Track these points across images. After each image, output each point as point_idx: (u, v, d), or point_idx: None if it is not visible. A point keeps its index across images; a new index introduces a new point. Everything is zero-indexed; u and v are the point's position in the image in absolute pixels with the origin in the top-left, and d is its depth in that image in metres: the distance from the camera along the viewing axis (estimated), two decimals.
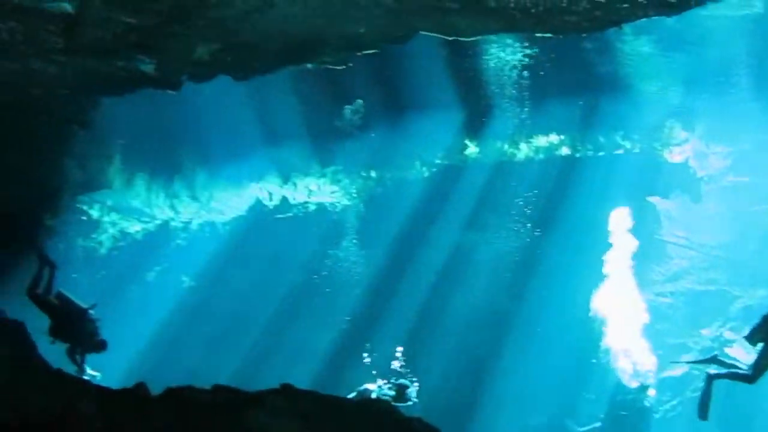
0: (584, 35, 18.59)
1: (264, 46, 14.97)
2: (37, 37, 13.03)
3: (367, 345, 27.60)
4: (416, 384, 21.05)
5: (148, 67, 15.11)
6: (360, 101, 28.79)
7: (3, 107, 16.02)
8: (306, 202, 32.56)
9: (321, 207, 32.58)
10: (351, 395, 20.21)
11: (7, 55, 13.65)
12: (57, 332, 16.35)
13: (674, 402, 30.82)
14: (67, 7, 12.13)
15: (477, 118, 30.29)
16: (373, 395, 20.21)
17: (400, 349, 24.91)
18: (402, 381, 20.90)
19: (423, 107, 28.42)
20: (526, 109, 29.32)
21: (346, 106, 29.17)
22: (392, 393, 20.31)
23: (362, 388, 20.80)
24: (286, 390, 12.24)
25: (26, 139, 17.72)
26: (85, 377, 15.87)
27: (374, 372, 24.66)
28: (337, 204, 32.71)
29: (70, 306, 16.61)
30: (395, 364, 23.58)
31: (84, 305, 16.62)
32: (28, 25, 12.62)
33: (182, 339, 28.07)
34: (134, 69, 15.11)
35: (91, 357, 16.95)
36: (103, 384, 12.63)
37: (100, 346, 16.79)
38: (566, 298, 29.46)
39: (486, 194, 31.00)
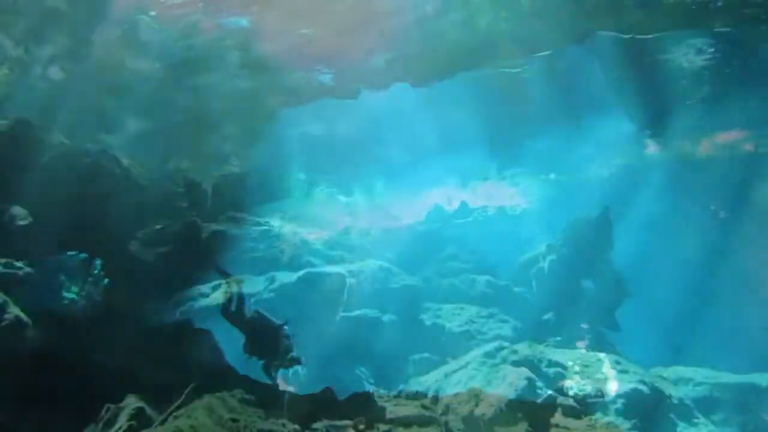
0: (764, 28, 17.82)
1: (438, 52, 14.95)
2: (216, 53, 13.40)
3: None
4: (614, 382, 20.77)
5: (326, 77, 15.35)
6: None
7: (184, 124, 16.53)
8: (485, 206, 32.48)
9: (501, 210, 32.43)
10: (548, 392, 20.12)
11: (190, 71, 14.09)
12: (253, 348, 16.60)
13: None
14: (244, 23, 12.44)
15: (656, 117, 29.54)
16: (570, 392, 20.05)
17: (585, 326, 24.53)
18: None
19: (601, 107, 27.89)
20: (706, 106, 28.40)
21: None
22: (588, 389, 20.11)
23: (559, 385, 20.65)
24: (472, 393, 12.36)
25: (209, 152, 18.24)
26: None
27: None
28: (516, 207, 32.50)
29: (264, 323, 16.82)
30: (580, 345, 23.25)
31: (278, 321, 16.82)
32: (206, 41, 12.99)
33: (363, 345, 28.40)
34: (312, 80, 15.38)
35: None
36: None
37: (295, 362, 16.92)
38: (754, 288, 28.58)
39: (667, 192, 30.25)
